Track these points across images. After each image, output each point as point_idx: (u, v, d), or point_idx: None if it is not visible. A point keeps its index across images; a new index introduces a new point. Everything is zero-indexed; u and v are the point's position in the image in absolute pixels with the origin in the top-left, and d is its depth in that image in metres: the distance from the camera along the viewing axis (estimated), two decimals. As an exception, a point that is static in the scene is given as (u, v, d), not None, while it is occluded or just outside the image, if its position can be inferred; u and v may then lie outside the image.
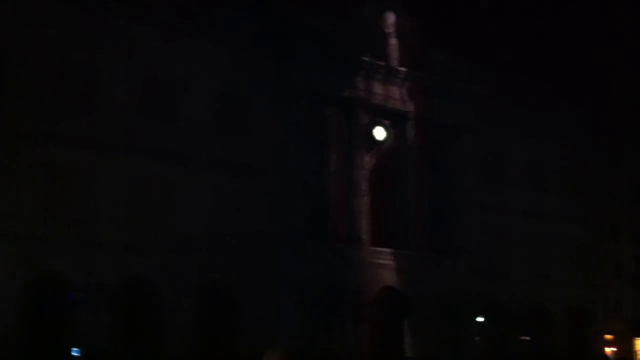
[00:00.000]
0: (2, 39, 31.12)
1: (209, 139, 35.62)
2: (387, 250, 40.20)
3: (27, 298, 30.58)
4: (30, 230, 30.84)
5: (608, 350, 55.54)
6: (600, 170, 51.39)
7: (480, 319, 43.85)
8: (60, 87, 32.28)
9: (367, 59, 39.89)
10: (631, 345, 58.38)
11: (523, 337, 46.58)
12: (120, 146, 33.12)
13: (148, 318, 33.30)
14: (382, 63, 40.72)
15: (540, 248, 45.59)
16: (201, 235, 34.68)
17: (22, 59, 31.39)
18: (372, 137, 40.80)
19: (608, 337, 55.53)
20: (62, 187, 31.87)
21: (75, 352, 31.76)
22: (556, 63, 62.65)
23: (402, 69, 41.18)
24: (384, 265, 40.06)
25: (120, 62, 33.62)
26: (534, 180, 46.75)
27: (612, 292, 53.49)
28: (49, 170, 31.59)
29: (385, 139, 41.25)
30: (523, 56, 58.97)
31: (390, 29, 41.68)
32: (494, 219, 43.48)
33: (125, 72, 33.72)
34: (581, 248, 48.43)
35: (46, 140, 31.49)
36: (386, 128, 41.33)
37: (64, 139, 31.81)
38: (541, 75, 52.69)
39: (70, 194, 32.01)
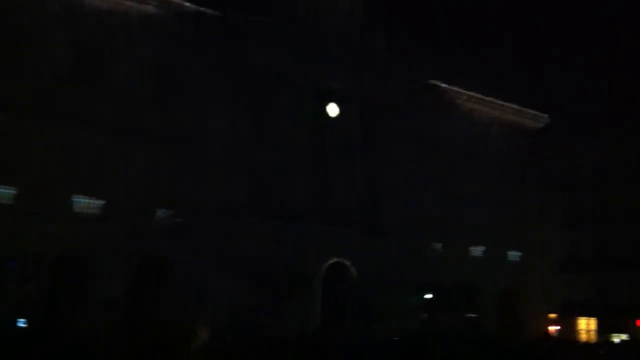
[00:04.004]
0: None
1: (143, 107, 35.24)
2: (326, 227, 40.32)
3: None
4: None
5: (551, 329, 56.76)
6: (532, 155, 51.86)
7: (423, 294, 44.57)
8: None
9: (306, 34, 39.79)
10: (574, 325, 59.74)
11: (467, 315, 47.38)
12: (47, 112, 32.48)
13: (79, 288, 33.23)
14: (322, 39, 40.65)
15: (471, 230, 45.76)
16: (135, 205, 34.49)
17: None
18: (312, 114, 40.90)
19: (552, 316, 56.80)
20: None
21: (22, 322, 31.63)
22: (497, 48, 63.43)
23: (341, 46, 41.23)
24: (323, 241, 40.27)
25: (52, 25, 32.98)
26: (467, 164, 46.88)
27: (542, 275, 54.39)
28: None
29: (323, 117, 41.51)
30: (465, 40, 59.45)
31: (333, 8, 41.73)
32: (428, 200, 43.62)
33: (55, 37, 33.08)
34: (512, 231, 48.70)
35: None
36: (324, 105, 41.57)
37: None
38: (480, 60, 53.32)
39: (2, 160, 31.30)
